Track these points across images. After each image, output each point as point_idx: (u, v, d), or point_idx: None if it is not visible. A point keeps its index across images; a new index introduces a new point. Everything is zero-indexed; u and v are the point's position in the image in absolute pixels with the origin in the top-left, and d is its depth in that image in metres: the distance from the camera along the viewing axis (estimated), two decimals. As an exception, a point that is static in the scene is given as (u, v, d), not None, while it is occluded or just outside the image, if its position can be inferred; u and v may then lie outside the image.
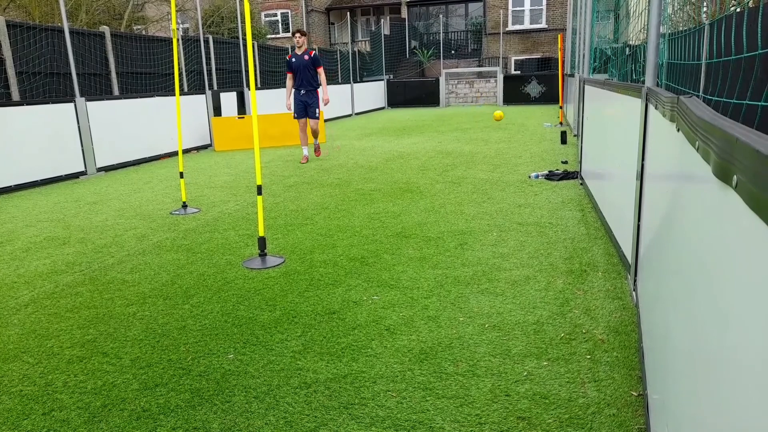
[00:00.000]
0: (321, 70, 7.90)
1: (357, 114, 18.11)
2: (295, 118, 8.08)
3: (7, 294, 3.32)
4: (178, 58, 10.36)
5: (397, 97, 20.56)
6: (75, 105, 7.63)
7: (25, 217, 5.34)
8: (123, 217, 5.14)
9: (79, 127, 7.68)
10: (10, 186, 6.73)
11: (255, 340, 2.57)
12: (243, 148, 10.16)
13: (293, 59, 7.80)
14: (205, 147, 10.59)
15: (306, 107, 7.96)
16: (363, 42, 26.63)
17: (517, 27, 24.19)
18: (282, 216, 4.93)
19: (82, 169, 7.75)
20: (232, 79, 12.34)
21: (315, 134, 8.19)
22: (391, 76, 23.01)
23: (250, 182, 6.68)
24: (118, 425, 1.97)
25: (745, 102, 1.55)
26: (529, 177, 6.15)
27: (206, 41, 11.29)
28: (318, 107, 8.00)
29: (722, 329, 0.94)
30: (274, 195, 5.85)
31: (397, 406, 2.01)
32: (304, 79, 7.82)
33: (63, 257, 3.99)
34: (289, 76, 7.92)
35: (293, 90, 7.91)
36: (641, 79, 3.04)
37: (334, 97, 16.98)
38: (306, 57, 7.78)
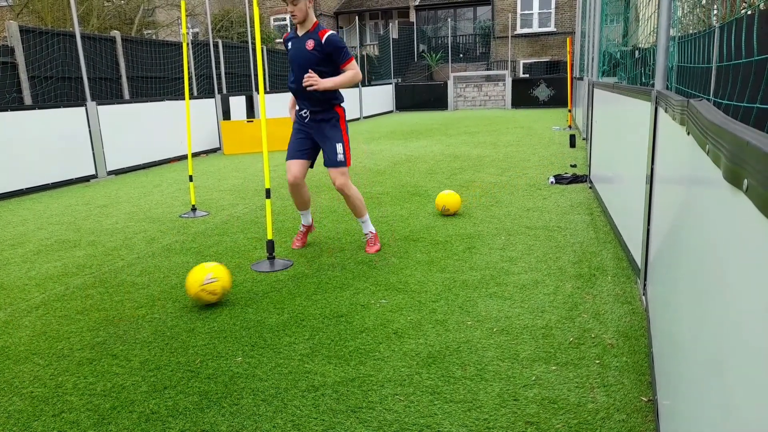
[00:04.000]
0: (351, 66, 3.61)
1: (365, 117, 18.14)
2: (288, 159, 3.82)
3: (19, 296, 3.35)
4: (188, 63, 10.44)
5: (406, 101, 20.58)
6: (86, 109, 7.71)
7: (36, 220, 5.39)
8: (133, 220, 5.18)
9: (90, 130, 7.76)
10: (22, 189, 6.81)
11: (263, 343, 2.58)
12: (252, 152, 10.21)
13: (289, 42, 3.73)
14: (214, 150, 10.65)
15: (309, 141, 3.81)
16: (371, 46, 26.70)
17: (526, 30, 24.15)
18: (290, 219, 4.95)
19: (93, 172, 7.81)
20: (241, 83, 12.41)
21: (353, 207, 3.86)
22: (400, 80, 23.04)
23: (259, 186, 6.71)
24: (127, 427, 1.98)
25: (755, 105, 1.53)
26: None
27: (216, 45, 11.37)
28: (342, 141, 3.74)
29: (733, 334, 0.93)
30: (283, 198, 5.86)
31: (405, 410, 2.01)
32: (304, 84, 3.55)
33: (73, 260, 4.02)
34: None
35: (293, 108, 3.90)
36: (650, 82, 3.03)
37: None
38: (310, 42, 3.59)
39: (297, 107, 3.79)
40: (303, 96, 3.67)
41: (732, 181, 0.95)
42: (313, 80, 3.49)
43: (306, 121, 3.75)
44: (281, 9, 26.48)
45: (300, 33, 3.65)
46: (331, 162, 3.72)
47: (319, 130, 3.75)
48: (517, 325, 2.63)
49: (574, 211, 4.78)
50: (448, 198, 4.76)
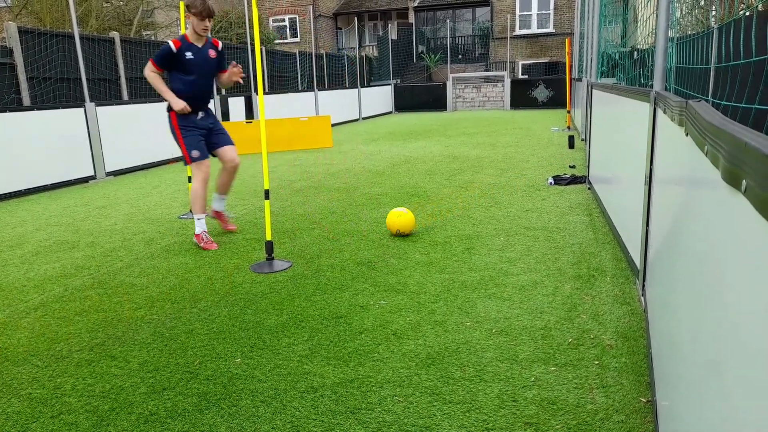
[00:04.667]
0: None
1: (364, 118, 18.14)
2: (194, 159, 4.44)
3: (17, 297, 3.34)
4: (187, 64, 10.42)
5: (404, 102, 20.58)
6: (85, 110, 7.70)
7: (35, 221, 5.38)
8: (131, 221, 5.17)
9: (88, 131, 7.75)
10: (21, 190, 6.80)
11: (262, 344, 2.58)
12: (250, 153, 10.20)
13: (188, 53, 4.20)
14: (213, 151, 10.64)
15: (210, 136, 4.52)
16: (370, 47, 26.72)
17: (525, 31, 24.18)
18: (289, 220, 4.95)
19: (92, 173, 7.81)
20: (239, 84, 12.40)
21: (232, 183, 4.78)
22: (398, 81, 23.05)
23: (258, 187, 6.70)
24: (125, 429, 1.98)
25: (754, 106, 1.54)
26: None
27: (215, 46, 11.36)
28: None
29: (732, 335, 0.93)
30: (282, 199, 5.86)
31: (404, 411, 2.01)
32: (205, 87, 4.38)
33: (72, 261, 4.02)
34: (156, 75, 4.26)
35: (185, 113, 4.31)
36: (649, 83, 3.03)
37: (342, 102, 17.13)
38: (211, 52, 4.33)
39: (187, 110, 4.29)
40: (201, 98, 4.38)
41: (730, 182, 0.95)
42: (240, 72, 4.35)
43: (199, 120, 4.43)
44: (280, 10, 26.50)
45: (199, 44, 4.27)
46: (230, 141, 4.62)
47: (214, 125, 4.57)
48: (516, 326, 2.63)
49: (573, 212, 4.78)
50: (401, 220, 4.23)
